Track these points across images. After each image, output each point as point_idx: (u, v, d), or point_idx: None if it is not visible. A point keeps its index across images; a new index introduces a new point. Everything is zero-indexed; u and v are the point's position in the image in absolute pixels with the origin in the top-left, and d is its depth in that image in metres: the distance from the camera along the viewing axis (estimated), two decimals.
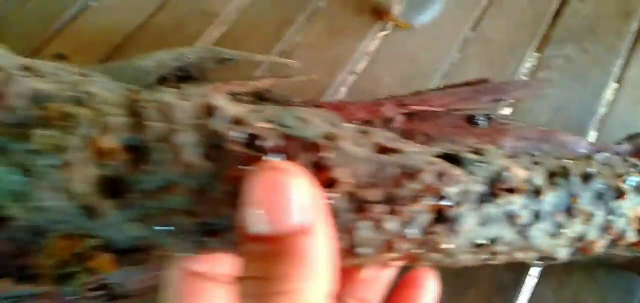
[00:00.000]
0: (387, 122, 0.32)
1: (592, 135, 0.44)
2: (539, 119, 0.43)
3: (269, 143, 0.17)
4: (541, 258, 0.23)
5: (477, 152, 0.21)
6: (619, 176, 0.24)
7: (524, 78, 0.47)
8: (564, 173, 0.22)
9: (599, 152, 0.29)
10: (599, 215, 0.23)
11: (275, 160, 0.17)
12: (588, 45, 0.48)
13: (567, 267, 0.36)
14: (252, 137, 0.17)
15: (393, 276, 0.25)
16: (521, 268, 0.37)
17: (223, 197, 0.17)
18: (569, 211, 0.22)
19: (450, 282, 0.27)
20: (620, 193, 0.23)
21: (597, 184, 0.23)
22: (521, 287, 0.37)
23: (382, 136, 0.20)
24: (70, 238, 0.29)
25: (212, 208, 0.17)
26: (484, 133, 0.36)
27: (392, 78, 0.46)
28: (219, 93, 0.19)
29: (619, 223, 0.23)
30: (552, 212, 0.22)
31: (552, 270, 0.37)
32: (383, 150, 0.19)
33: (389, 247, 0.19)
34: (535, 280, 0.37)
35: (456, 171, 0.20)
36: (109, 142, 0.17)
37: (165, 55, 0.33)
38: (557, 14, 0.50)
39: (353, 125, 0.20)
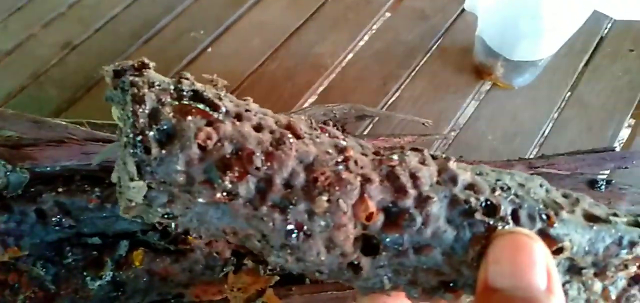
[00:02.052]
0: None
1: None
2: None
3: (505, 211, 0.20)
4: None
5: None
6: None
7: (622, 142, 0.49)
8: None
9: None
10: None
11: (516, 227, 0.19)
12: None
13: None
14: (491, 205, 0.20)
15: None
16: None
17: (466, 259, 0.19)
18: None
19: None
20: None
21: None
22: None
23: (588, 203, 0.22)
24: (254, 274, 0.32)
25: (455, 269, 0.20)
26: (603, 196, 0.38)
27: (494, 135, 0.49)
28: (450, 160, 0.21)
29: None
30: None
31: None
32: (592, 218, 0.21)
33: None
34: None
35: None
36: (371, 206, 0.19)
37: (316, 110, 0.36)
38: None
39: (561, 191, 0.22)
